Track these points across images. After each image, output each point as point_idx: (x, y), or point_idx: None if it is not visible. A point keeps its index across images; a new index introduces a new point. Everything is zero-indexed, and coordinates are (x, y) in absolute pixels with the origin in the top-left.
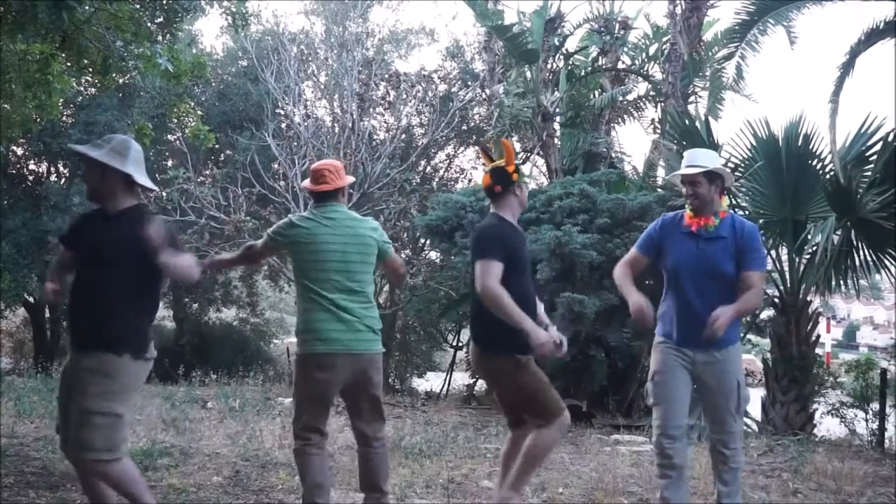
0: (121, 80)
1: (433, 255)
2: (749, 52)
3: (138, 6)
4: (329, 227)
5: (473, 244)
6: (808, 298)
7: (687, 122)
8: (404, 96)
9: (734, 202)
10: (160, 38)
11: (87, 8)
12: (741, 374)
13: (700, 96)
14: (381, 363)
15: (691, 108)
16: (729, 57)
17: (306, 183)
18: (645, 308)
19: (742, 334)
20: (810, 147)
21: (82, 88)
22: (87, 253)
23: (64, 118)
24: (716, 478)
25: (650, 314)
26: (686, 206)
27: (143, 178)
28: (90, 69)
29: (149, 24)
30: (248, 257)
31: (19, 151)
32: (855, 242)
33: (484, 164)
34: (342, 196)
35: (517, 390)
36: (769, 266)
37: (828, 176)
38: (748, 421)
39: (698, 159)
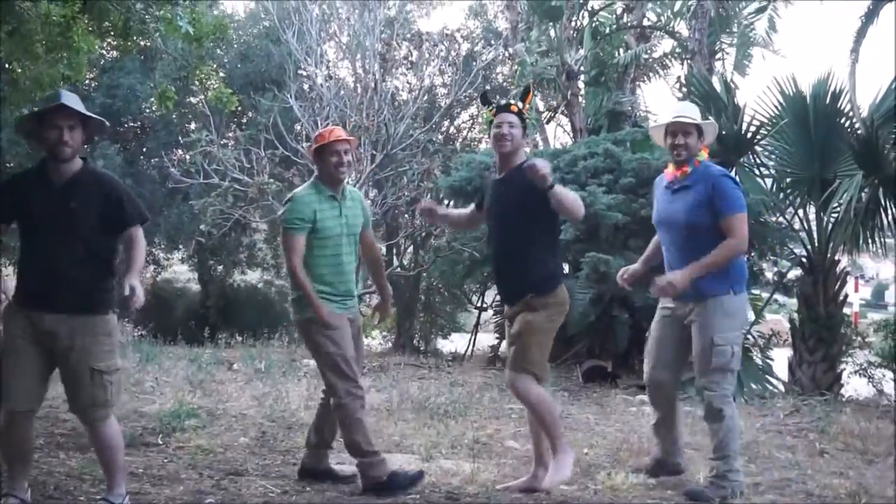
0: (142, 43)
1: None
2: (780, 4)
3: None
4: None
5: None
6: (836, 257)
7: (706, 86)
8: (427, 56)
9: (758, 160)
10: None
11: None
12: (720, 330)
13: (727, 53)
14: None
15: (718, 64)
16: (761, 10)
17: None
18: (621, 274)
19: (769, 294)
20: (838, 105)
21: (104, 52)
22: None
23: (87, 81)
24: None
25: (626, 277)
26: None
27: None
28: (111, 32)
29: None
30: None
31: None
32: (883, 201)
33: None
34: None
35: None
36: (797, 225)
37: (856, 133)
38: (774, 381)
39: (689, 112)
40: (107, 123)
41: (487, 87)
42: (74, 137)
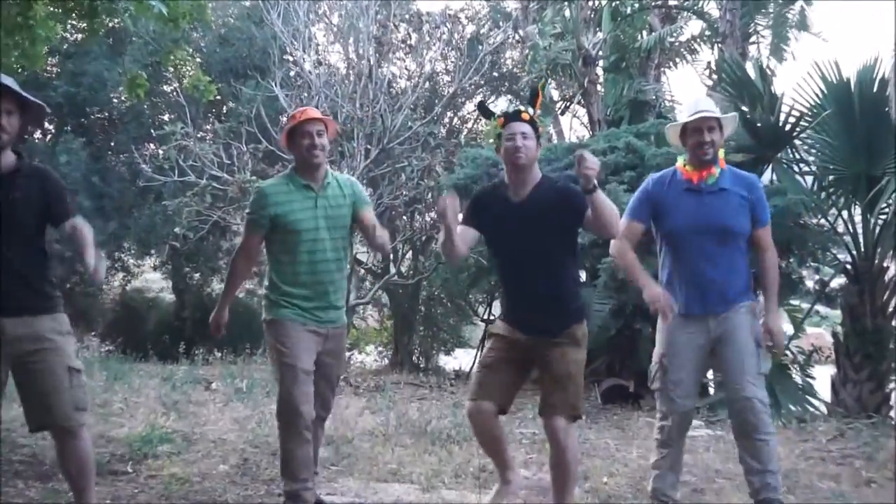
0: (110, 25)
1: (461, 217)
2: None
3: None
4: None
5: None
6: (885, 264)
7: (739, 73)
8: (427, 39)
9: (797, 155)
10: None
11: None
12: (759, 333)
13: (763, 36)
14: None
15: (752, 49)
16: None
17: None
18: (663, 298)
19: (810, 305)
20: (887, 93)
21: (68, 35)
22: None
23: (48, 68)
24: (743, 455)
25: (669, 304)
26: (683, 160)
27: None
28: (76, 13)
29: None
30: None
31: None
32: None
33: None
34: None
35: None
36: (840, 228)
37: None
38: (816, 402)
39: (708, 105)
40: (47, 109)
41: (495, 74)
42: (12, 123)
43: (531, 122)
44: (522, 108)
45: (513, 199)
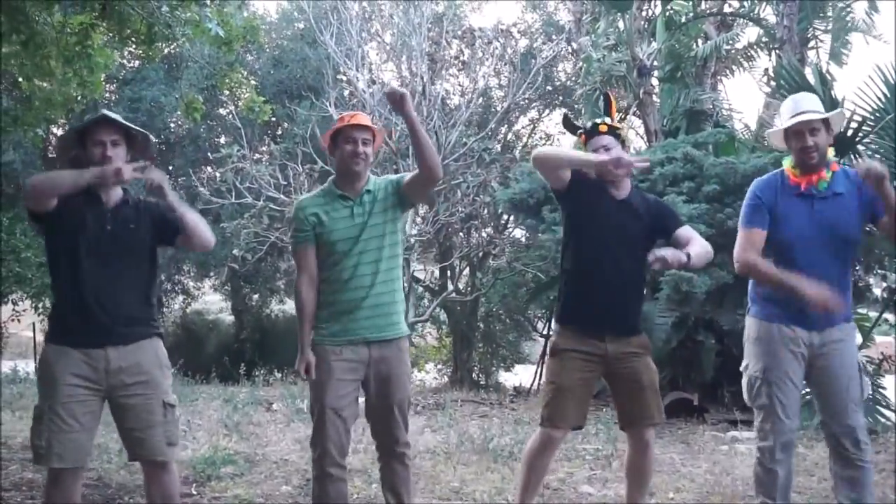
0: (167, 50)
1: (518, 232)
2: None
3: None
4: None
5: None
6: None
7: (798, 79)
8: (480, 55)
9: (861, 162)
10: (208, 0)
11: None
12: (858, 356)
13: (821, 40)
14: None
15: (811, 54)
16: None
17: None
18: (831, 297)
19: (878, 314)
20: None
21: (125, 61)
22: None
23: (107, 94)
24: (839, 482)
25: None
26: (789, 162)
27: None
28: (133, 39)
29: None
30: None
31: (60, 133)
32: None
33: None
34: None
35: None
36: None
37: None
38: (888, 413)
39: (810, 104)
40: (152, 139)
41: (549, 88)
42: (118, 154)
43: (611, 131)
44: (599, 120)
45: (614, 193)
